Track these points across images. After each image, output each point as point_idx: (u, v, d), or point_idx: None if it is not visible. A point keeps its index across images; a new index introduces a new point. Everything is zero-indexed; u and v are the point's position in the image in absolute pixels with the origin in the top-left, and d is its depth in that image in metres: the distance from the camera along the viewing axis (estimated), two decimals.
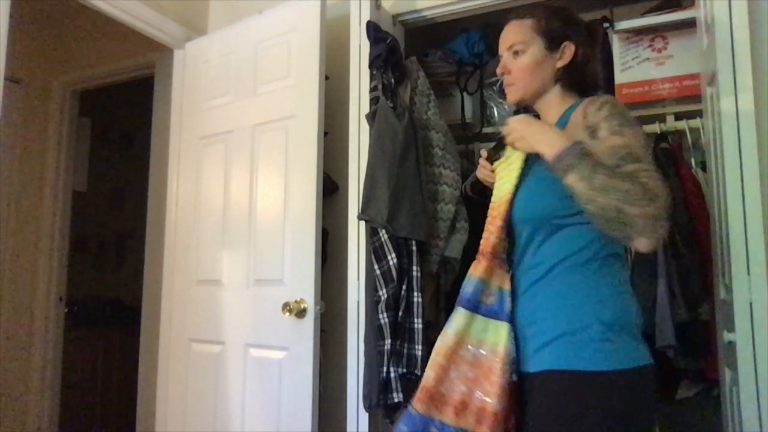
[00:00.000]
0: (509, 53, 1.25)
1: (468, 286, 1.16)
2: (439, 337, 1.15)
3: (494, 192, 1.26)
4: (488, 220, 1.23)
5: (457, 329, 1.13)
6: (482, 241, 1.21)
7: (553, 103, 1.25)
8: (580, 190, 1.00)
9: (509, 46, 1.24)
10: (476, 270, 1.17)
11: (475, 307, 1.15)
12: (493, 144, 1.33)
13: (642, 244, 0.97)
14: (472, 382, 1.10)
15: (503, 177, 1.24)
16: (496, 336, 1.12)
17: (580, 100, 1.21)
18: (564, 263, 1.11)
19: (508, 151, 1.23)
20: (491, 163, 1.30)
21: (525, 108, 1.35)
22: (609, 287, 1.11)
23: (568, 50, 1.22)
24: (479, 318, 1.14)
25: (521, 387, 1.11)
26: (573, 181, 1.01)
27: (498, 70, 1.28)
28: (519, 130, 1.14)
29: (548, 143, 1.07)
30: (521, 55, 1.23)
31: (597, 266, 1.11)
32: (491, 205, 1.25)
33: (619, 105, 1.12)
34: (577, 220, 1.10)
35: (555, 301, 1.10)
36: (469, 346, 1.13)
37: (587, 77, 1.26)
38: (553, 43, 1.22)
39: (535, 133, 1.11)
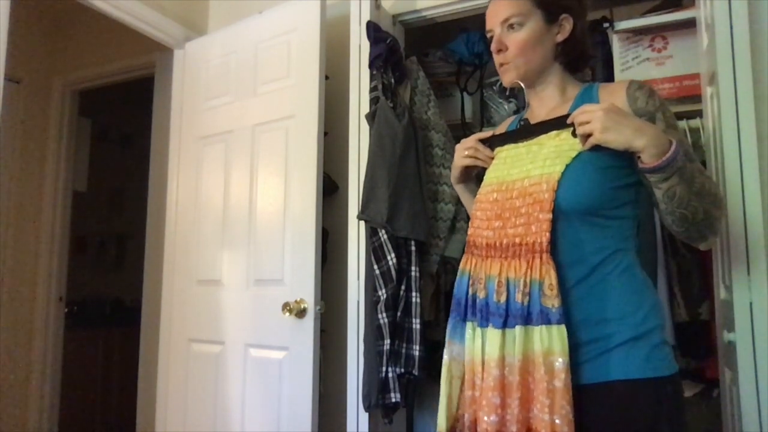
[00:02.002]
0: (503, 28, 1.14)
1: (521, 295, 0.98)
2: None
3: (495, 175, 1.12)
4: (520, 208, 1.03)
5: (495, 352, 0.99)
6: (517, 235, 1.02)
7: (554, 83, 1.17)
8: (680, 194, 0.92)
9: (504, 19, 1.13)
10: (532, 273, 0.98)
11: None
12: (490, 132, 1.23)
13: (708, 243, 0.94)
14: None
15: (515, 162, 1.10)
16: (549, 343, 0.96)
17: (592, 83, 1.16)
18: (611, 260, 1.02)
19: (520, 147, 1.10)
20: (491, 148, 1.18)
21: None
22: (652, 287, 1.08)
23: (567, 23, 1.14)
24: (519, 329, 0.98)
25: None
26: (674, 183, 0.92)
27: (492, 47, 1.16)
28: (606, 120, 0.93)
29: (653, 140, 0.91)
30: (518, 30, 1.12)
31: (639, 263, 1.07)
32: (498, 190, 1.09)
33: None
34: (621, 214, 1.04)
35: (612, 302, 1.01)
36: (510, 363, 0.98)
37: (585, 52, 1.19)
38: (551, 16, 1.13)
39: (631, 126, 0.93)
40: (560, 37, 1.14)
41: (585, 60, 1.22)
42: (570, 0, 1.15)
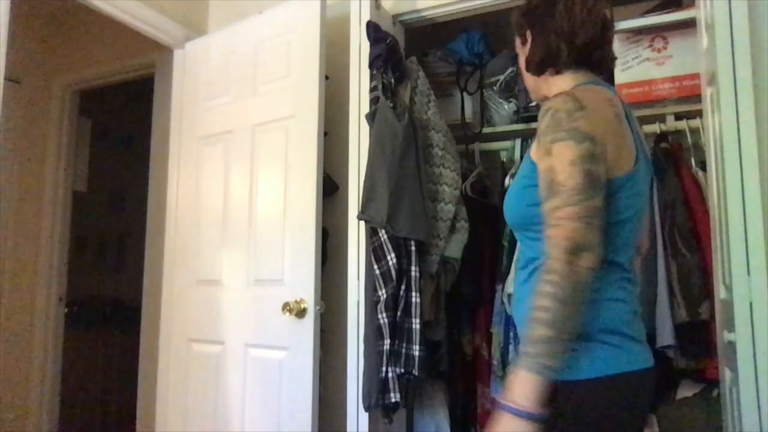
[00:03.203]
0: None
1: None
2: None
3: None
4: None
5: None
6: None
7: (546, 95, 1.16)
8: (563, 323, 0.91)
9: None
10: None
11: None
12: None
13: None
14: None
15: None
16: None
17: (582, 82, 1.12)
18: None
19: None
20: None
21: (525, 107, 1.34)
22: (601, 292, 1.03)
23: (528, 35, 1.16)
24: None
25: None
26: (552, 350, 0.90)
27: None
28: None
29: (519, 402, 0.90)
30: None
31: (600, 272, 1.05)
32: None
33: (561, 109, 0.97)
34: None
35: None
36: None
37: (549, 55, 1.12)
38: (522, 39, 1.19)
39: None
40: (524, 52, 1.19)
41: (550, 62, 1.13)
42: (526, 16, 1.18)
